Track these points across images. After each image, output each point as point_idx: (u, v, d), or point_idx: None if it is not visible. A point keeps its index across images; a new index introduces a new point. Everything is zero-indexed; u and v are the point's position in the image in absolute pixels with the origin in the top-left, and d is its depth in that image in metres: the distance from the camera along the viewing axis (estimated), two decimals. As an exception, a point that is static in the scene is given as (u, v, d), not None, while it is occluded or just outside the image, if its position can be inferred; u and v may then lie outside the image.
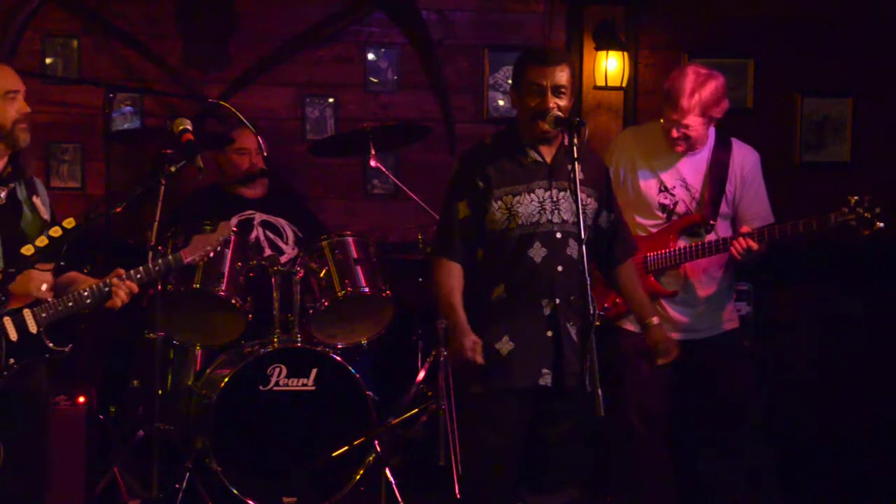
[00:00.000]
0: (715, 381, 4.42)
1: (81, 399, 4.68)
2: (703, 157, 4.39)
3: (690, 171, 4.39)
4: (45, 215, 3.93)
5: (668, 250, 4.36)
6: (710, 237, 4.36)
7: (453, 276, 3.84)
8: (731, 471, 4.45)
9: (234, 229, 4.55)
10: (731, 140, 4.42)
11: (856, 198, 4.17)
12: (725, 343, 4.44)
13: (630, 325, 4.39)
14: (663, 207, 4.40)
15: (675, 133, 4.29)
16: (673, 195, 4.39)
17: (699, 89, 4.23)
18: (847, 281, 5.93)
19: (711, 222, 4.36)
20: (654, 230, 4.41)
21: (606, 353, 4.31)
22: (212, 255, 4.35)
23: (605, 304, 4.43)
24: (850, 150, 6.26)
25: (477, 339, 3.74)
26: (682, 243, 4.37)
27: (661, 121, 4.36)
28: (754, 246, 4.21)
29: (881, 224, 4.15)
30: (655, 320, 3.99)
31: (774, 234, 4.22)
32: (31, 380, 3.83)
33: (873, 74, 6.19)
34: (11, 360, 3.75)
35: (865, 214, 4.15)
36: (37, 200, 3.92)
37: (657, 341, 3.98)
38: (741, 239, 4.22)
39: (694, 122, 4.25)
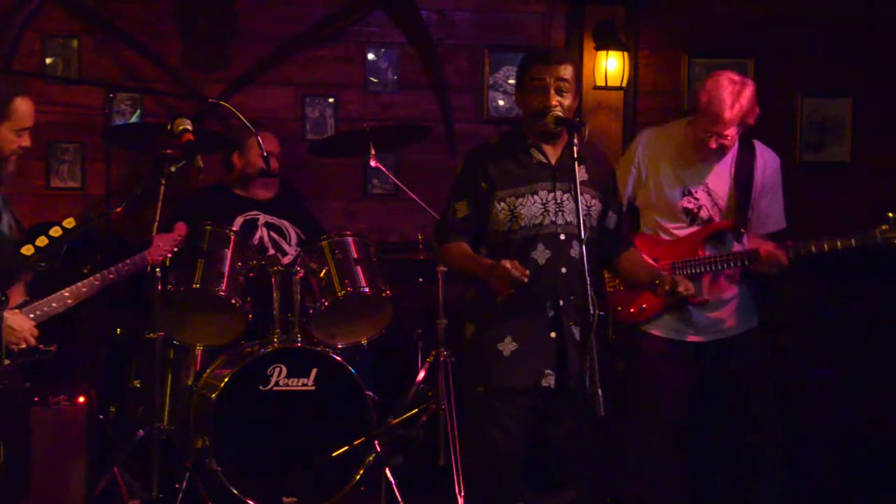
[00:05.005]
0: (737, 380, 4.38)
1: (81, 399, 4.67)
2: (726, 161, 4.35)
3: (714, 175, 4.35)
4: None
5: (696, 259, 4.31)
6: (737, 246, 4.33)
7: (462, 247, 3.85)
8: (746, 473, 4.43)
9: (185, 233, 4.77)
10: (754, 143, 4.38)
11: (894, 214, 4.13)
12: (748, 342, 4.40)
13: (656, 330, 4.38)
14: (687, 212, 4.36)
15: (713, 144, 4.24)
16: (697, 199, 4.34)
17: (738, 99, 4.18)
18: (847, 280, 5.92)
19: (742, 231, 4.32)
20: (677, 233, 4.37)
21: (629, 356, 4.35)
22: (169, 255, 4.60)
23: (631, 309, 4.41)
24: (850, 150, 6.25)
25: (510, 261, 3.61)
26: (709, 251, 4.32)
27: (686, 125, 4.31)
28: (784, 260, 4.18)
29: None
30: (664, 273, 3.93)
31: (810, 250, 4.19)
32: (9, 382, 3.88)
33: (873, 74, 6.19)
34: (7, 362, 3.82)
35: None
36: (11, 205, 4.00)
37: (673, 280, 3.82)
38: (771, 253, 4.19)
39: (733, 132, 4.23)
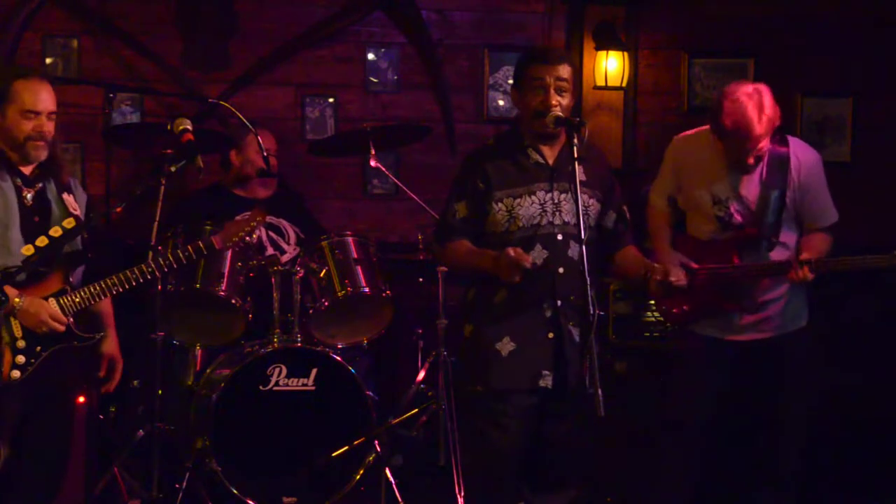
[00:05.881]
0: (775, 380, 4.34)
1: (81, 399, 4.66)
2: (757, 166, 4.27)
3: (744, 183, 4.28)
4: (77, 213, 4.02)
5: (729, 266, 4.27)
6: (775, 253, 4.28)
7: (465, 245, 3.85)
8: (760, 476, 4.42)
9: (264, 216, 4.71)
10: (788, 141, 4.31)
11: None
12: (794, 342, 4.35)
13: (699, 329, 4.35)
14: (718, 219, 4.30)
15: (751, 160, 4.19)
16: (727, 207, 4.28)
17: (763, 110, 4.12)
18: (849, 280, 5.91)
19: (773, 239, 4.27)
20: (714, 237, 4.33)
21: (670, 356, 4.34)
22: (247, 239, 4.49)
23: (674, 309, 4.39)
24: (850, 150, 6.26)
25: (513, 248, 3.65)
26: (744, 258, 4.28)
27: (720, 142, 4.25)
28: (809, 277, 4.13)
29: None
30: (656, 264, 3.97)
31: (831, 268, 4.15)
32: (58, 369, 3.91)
33: (873, 74, 6.19)
34: (38, 348, 3.85)
35: None
36: (67, 198, 4.01)
37: (664, 270, 3.94)
38: (798, 271, 4.13)
39: (766, 140, 4.18)
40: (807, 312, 4.41)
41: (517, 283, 3.67)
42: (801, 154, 4.33)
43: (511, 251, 3.64)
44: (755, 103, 4.13)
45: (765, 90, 4.18)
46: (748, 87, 4.18)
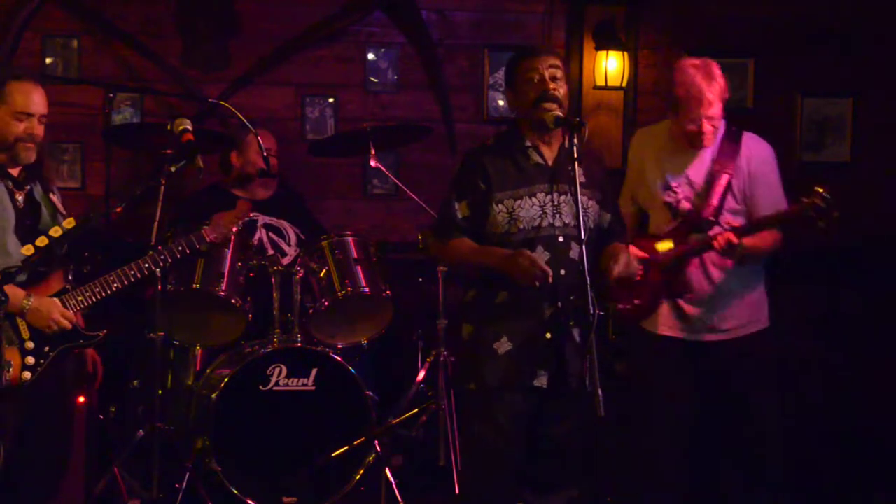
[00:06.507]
0: (734, 383, 4.36)
1: (81, 399, 4.67)
2: (708, 152, 4.35)
3: (695, 167, 4.35)
4: (63, 212, 4.06)
5: (671, 251, 4.32)
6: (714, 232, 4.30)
7: (468, 242, 3.84)
8: (744, 475, 4.42)
9: (250, 208, 4.80)
10: (742, 134, 4.39)
11: (819, 189, 4.13)
12: (748, 345, 4.37)
13: (650, 327, 4.38)
14: (668, 206, 4.37)
15: (707, 127, 4.26)
16: (676, 193, 4.35)
17: (713, 77, 4.24)
18: (841, 281, 5.93)
19: (710, 219, 4.31)
20: (667, 229, 4.39)
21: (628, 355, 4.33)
22: (234, 230, 4.61)
23: (627, 305, 4.41)
24: (850, 150, 6.26)
25: (527, 253, 3.67)
26: (692, 242, 4.32)
27: (676, 121, 4.31)
28: (734, 240, 4.17)
29: (837, 213, 4.12)
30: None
31: (753, 226, 4.21)
32: (59, 369, 3.94)
33: (873, 74, 6.19)
34: (47, 348, 3.88)
35: (822, 205, 4.12)
36: (54, 197, 4.04)
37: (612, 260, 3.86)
38: (722, 234, 4.19)
39: (719, 108, 4.26)
40: (765, 315, 4.43)
41: (528, 288, 3.67)
42: (752, 146, 4.40)
43: (529, 254, 3.66)
44: (703, 73, 4.25)
45: (713, 63, 4.31)
46: (695, 60, 4.32)
